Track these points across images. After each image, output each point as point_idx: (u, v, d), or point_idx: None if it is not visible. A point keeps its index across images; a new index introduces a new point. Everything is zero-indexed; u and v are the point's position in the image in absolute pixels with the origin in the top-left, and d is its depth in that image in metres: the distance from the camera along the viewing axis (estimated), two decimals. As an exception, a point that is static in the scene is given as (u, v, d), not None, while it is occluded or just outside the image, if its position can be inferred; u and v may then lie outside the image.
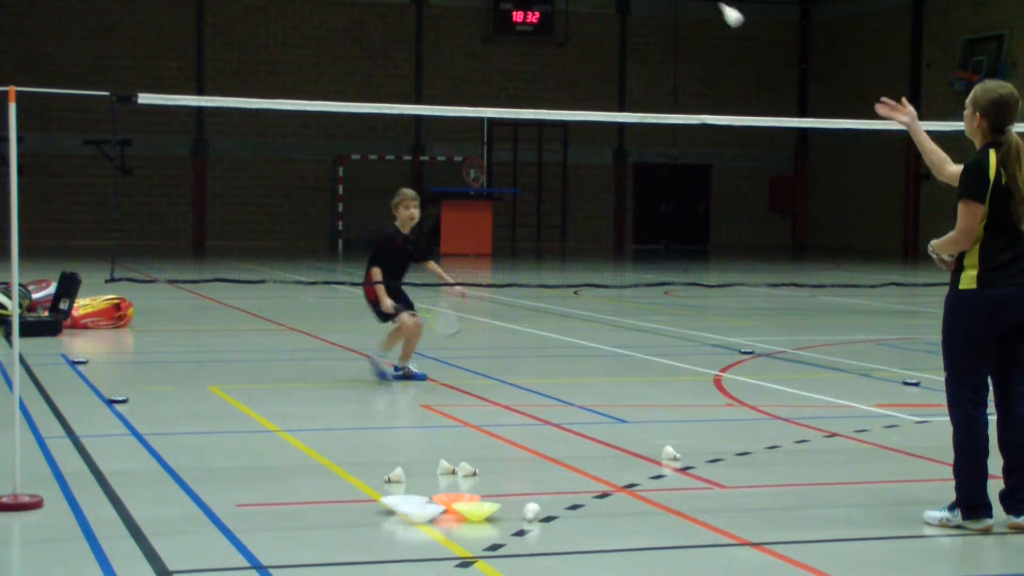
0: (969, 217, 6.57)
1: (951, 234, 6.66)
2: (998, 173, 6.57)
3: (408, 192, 11.62)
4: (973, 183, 6.58)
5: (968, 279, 6.64)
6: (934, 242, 6.79)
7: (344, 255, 34.49)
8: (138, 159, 37.34)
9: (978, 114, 6.68)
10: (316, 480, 7.71)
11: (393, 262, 11.48)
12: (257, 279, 22.62)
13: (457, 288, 11.92)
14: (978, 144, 6.72)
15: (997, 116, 6.64)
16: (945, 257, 6.77)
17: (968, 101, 6.75)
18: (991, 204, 6.56)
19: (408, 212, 11.43)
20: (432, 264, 11.73)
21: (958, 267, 6.70)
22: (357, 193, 39.23)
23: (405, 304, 11.56)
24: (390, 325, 11.50)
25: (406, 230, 11.51)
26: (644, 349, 14.10)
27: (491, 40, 40.85)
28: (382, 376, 11.35)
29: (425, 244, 12.08)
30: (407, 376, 11.48)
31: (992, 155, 6.60)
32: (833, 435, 9.23)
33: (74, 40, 37.74)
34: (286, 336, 15.25)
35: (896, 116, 7.15)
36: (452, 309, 12.35)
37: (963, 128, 6.86)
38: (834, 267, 30.78)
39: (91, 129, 36.46)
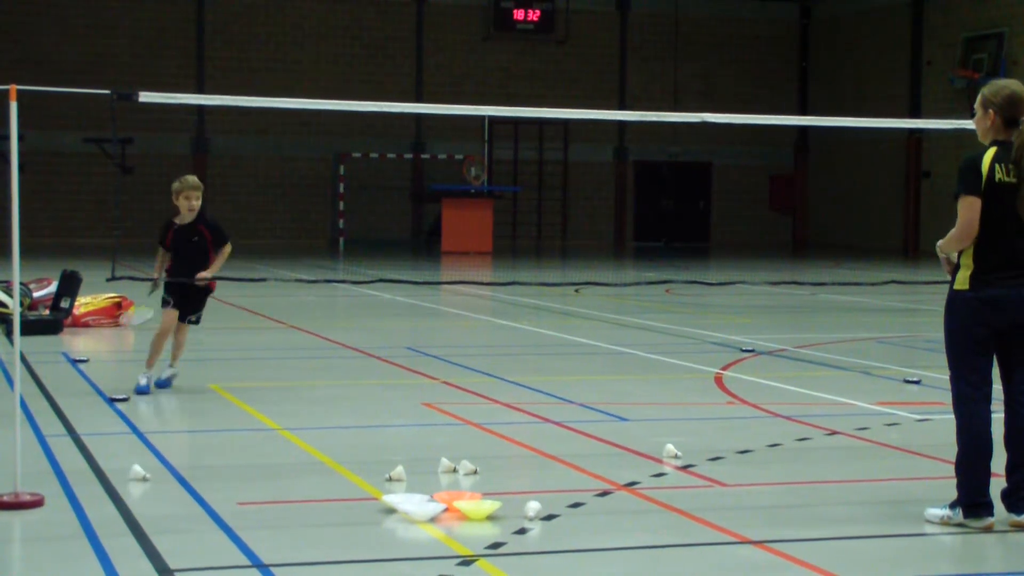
0: (968, 211, 6.56)
1: (952, 231, 6.65)
2: (992, 169, 6.55)
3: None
4: (968, 178, 6.57)
5: (962, 279, 6.64)
6: (939, 243, 6.79)
7: (345, 253, 34.46)
8: (138, 157, 37.31)
9: (991, 111, 6.65)
10: (317, 478, 7.71)
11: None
12: (258, 277, 22.61)
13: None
14: (988, 143, 6.69)
15: (1010, 110, 6.63)
16: (952, 258, 6.76)
17: (977, 104, 6.74)
18: (985, 202, 6.55)
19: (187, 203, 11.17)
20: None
21: (955, 266, 6.70)
22: (358, 191, 39.23)
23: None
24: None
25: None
26: (645, 347, 14.09)
27: (492, 38, 40.84)
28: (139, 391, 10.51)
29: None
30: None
31: (989, 153, 6.59)
32: (834, 433, 9.23)
33: (75, 38, 37.73)
34: (287, 334, 15.24)
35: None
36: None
37: (964, 126, 6.84)
38: (834, 265, 30.77)
39: (91, 127, 36.43)
